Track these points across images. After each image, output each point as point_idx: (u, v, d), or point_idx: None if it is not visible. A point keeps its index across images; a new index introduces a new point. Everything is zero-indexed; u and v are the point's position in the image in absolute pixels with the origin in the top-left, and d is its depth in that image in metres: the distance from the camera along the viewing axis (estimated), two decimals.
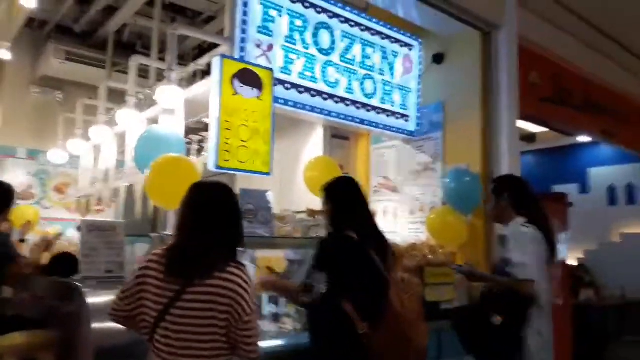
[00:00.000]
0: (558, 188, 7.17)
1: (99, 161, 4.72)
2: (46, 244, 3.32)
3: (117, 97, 4.67)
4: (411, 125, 4.26)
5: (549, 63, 4.81)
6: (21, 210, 5.32)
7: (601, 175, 7.66)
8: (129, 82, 3.96)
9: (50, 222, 5.88)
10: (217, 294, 1.71)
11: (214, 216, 1.83)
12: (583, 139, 7.00)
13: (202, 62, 3.73)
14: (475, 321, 2.76)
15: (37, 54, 5.88)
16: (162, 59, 4.77)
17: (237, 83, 2.78)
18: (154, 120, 3.51)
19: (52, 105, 6.02)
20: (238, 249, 1.90)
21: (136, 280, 1.81)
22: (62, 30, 5.64)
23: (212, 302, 1.71)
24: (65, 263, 2.80)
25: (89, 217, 5.25)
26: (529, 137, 7.45)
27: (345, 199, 2.37)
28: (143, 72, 4.42)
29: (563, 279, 4.46)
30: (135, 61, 3.99)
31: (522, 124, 7.12)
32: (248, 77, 2.84)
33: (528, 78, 4.51)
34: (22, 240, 4.61)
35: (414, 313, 2.17)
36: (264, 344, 2.58)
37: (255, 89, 2.86)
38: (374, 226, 2.40)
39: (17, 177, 5.92)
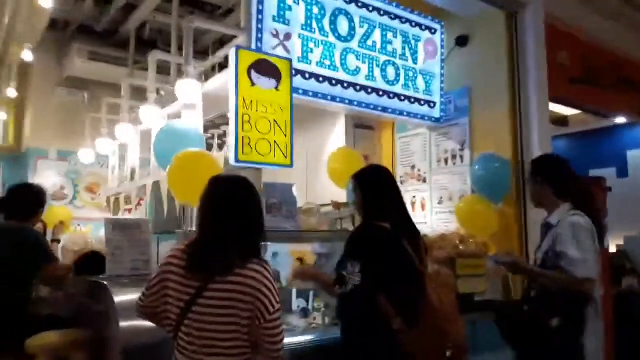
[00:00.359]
0: (595, 172, 6.89)
1: (126, 159, 4.77)
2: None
3: (141, 95, 4.70)
4: (436, 112, 4.14)
5: (578, 42, 4.59)
6: (54, 210, 5.46)
7: None
8: (148, 78, 3.97)
9: (83, 222, 6.02)
10: (239, 291, 1.68)
11: (233, 210, 1.79)
12: (620, 120, 6.71)
13: (220, 54, 3.70)
14: (529, 323, 2.42)
15: (61, 55, 6.00)
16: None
17: (254, 74, 2.73)
18: (177, 116, 3.50)
19: (79, 106, 6.14)
20: (262, 244, 1.86)
21: (159, 277, 1.80)
22: (85, 31, 5.72)
23: (233, 299, 1.67)
24: (94, 262, 2.84)
25: (120, 216, 5.34)
26: (561, 121, 7.18)
27: (377, 188, 2.26)
28: (164, 69, 4.43)
29: (604, 268, 4.27)
30: (154, 57, 3.99)
31: (552, 107, 6.89)
32: (265, 68, 2.78)
33: (556, 58, 4.32)
34: (56, 240, 4.73)
35: (451, 307, 2.07)
36: (293, 339, 2.57)
37: (272, 80, 2.81)
38: (407, 217, 2.29)
39: (49, 178, 6.08)
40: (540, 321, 2.34)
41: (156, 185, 3.70)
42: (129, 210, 5.73)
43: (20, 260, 2.82)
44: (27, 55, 4.47)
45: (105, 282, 2.46)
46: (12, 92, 5.58)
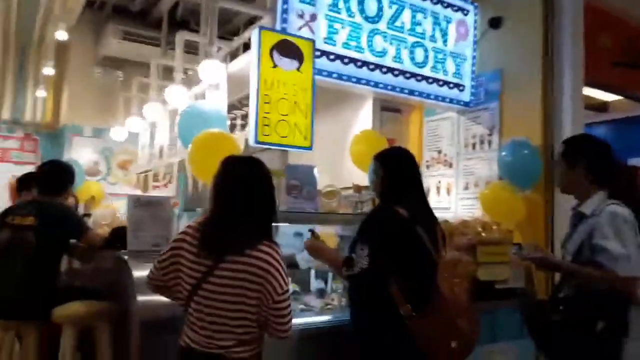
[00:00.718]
0: (633, 161, 6.61)
1: (155, 138, 4.86)
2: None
3: (171, 75, 4.75)
4: (466, 95, 4.04)
5: (622, 23, 4.36)
6: (87, 185, 5.64)
7: None
8: (175, 58, 4.01)
9: (116, 197, 6.20)
10: (249, 271, 1.70)
11: (245, 191, 1.80)
12: None
13: (245, 35, 3.69)
14: (568, 327, 2.11)
15: (98, 35, 6.13)
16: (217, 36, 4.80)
17: (276, 55, 2.72)
18: (203, 96, 3.53)
19: (114, 84, 6.28)
20: (273, 224, 1.87)
21: (170, 252, 1.84)
22: (120, 11, 5.80)
23: (242, 279, 1.70)
24: (123, 236, 2.92)
25: (149, 193, 5.48)
26: (601, 107, 6.89)
27: (399, 171, 2.20)
28: (195, 49, 4.46)
29: None
30: (182, 37, 4.02)
31: (592, 92, 6.61)
32: (287, 49, 2.77)
33: (597, 41, 4.12)
34: (87, 215, 4.90)
35: (462, 299, 1.99)
36: (309, 319, 2.61)
37: (295, 61, 2.79)
38: (426, 204, 2.24)
39: (84, 154, 6.28)
40: (582, 325, 2.06)
41: (182, 164, 3.77)
42: (158, 187, 5.87)
43: (48, 233, 2.93)
44: (62, 35, 4.58)
45: (124, 257, 2.53)
46: (49, 71, 5.74)
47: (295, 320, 2.46)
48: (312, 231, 2.40)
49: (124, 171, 6.54)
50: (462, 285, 1.93)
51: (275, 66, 2.73)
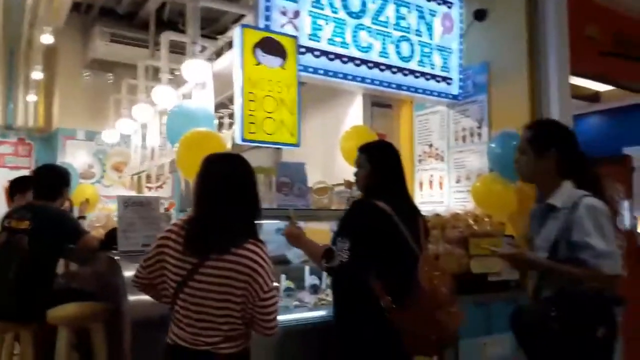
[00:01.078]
0: (628, 150, 6.63)
1: (147, 139, 4.87)
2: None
3: (159, 76, 4.76)
4: (454, 89, 4.05)
5: (609, 13, 4.37)
6: (81, 188, 5.64)
7: None
8: (161, 58, 4.01)
9: (112, 200, 6.20)
10: (234, 269, 1.71)
11: (227, 189, 1.81)
12: None
13: (230, 34, 3.69)
14: (566, 334, 1.92)
15: (85, 37, 6.12)
16: (204, 36, 4.80)
17: (259, 52, 2.73)
18: (190, 96, 3.54)
19: (104, 87, 6.28)
20: (257, 222, 1.88)
21: (157, 250, 1.84)
22: (107, 13, 5.80)
23: (228, 277, 1.71)
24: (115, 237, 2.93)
25: (143, 194, 5.48)
26: (592, 97, 6.91)
27: (386, 164, 2.22)
28: (181, 49, 4.46)
29: (630, 250, 4.14)
30: (167, 37, 4.03)
31: (583, 83, 6.61)
32: (270, 46, 2.77)
33: (584, 31, 4.13)
34: (82, 217, 4.90)
35: (444, 293, 1.98)
36: (302, 315, 2.63)
37: (278, 58, 2.80)
38: (407, 198, 2.27)
39: (78, 157, 6.28)
40: (582, 331, 1.91)
41: (173, 164, 3.78)
42: (154, 188, 5.88)
43: (42, 237, 2.94)
44: (47, 39, 4.57)
45: (116, 257, 2.55)
46: (38, 75, 5.74)
47: (287, 317, 2.50)
48: (289, 217, 2.37)
49: (119, 173, 6.55)
50: (442, 278, 1.94)
51: (258, 63, 2.73)
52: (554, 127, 2.24)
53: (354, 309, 2.05)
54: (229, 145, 2.81)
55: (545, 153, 2.08)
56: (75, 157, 6.20)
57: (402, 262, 2.02)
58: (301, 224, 3.15)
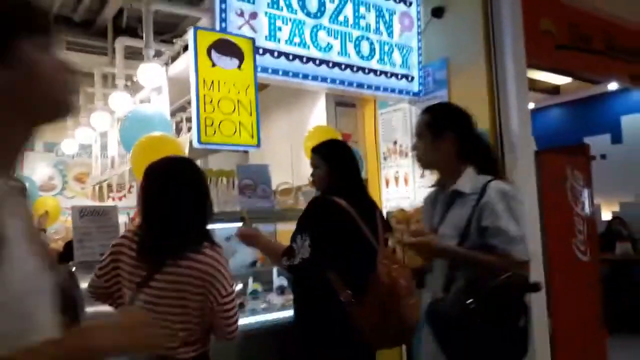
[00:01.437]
0: (589, 140, 6.82)
1: (107, 148, 4.76)
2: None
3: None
4: (415, 85, 4.08)
5: (562, 7, 4.48)
6: (42, 201, 5.49)
7: (635, 123, 7.24)
8: (117, 64, 3.93)
9: None
10: (190, 275, 1.68)
11: (172, 194, 1.76)
12: (612, 86, 6.61)
13: (185, 37, 3.63)
14: (492, 327, 1.75)
15: None
16: (163, 41, 4.72)
17: (214, 54, 2.69)
18: (148, 102, 3.47)
19: None
20: (209, 227, 1.84)
21: (110, 257, 1.82)
22: (63, 21, 5.64)
23: (183, 282, 1.68)
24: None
25: (108, 204, 5.34)
26: (553, 90, 7.09)
27: (341, 162, 2.25)
28: (139, 55, 4.38)
29: (590, 235, 4.24)
30: (121, 43, 3.94)
31: (543, 77, 6.78)
32: (226, 47, 2.73)
33: (539, 25, 4.22)
34: (42, 230, 4.76)
35: (403, 285, 1.93)
36: (268, 316, 2.63)
37: (234, 59, 2.76)
38: (365, 193, 2.30)
39: (38, 170, 6.11)
40: (505, 323, 1.77)
41: (132, 172, 3.70)
42: (119, 198, 5.74)
43: None
44: None
45: (72, 269, 2.47)
46: None
47: (250, 319, 2.47)
48: (243, 218, 2.34)
49: (82, 184, 6.39)
50: (401, 271, 1.93)
51: (214, 65, 2.69)
52: (449, 110, 2.18)
53: (316, 306, 2.05)
54: (186, 150, 2.75)
55: (443, 135, 1.98)
56: (34, 169, 6.02)
57: (362, 257, 2.02)
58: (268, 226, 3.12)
